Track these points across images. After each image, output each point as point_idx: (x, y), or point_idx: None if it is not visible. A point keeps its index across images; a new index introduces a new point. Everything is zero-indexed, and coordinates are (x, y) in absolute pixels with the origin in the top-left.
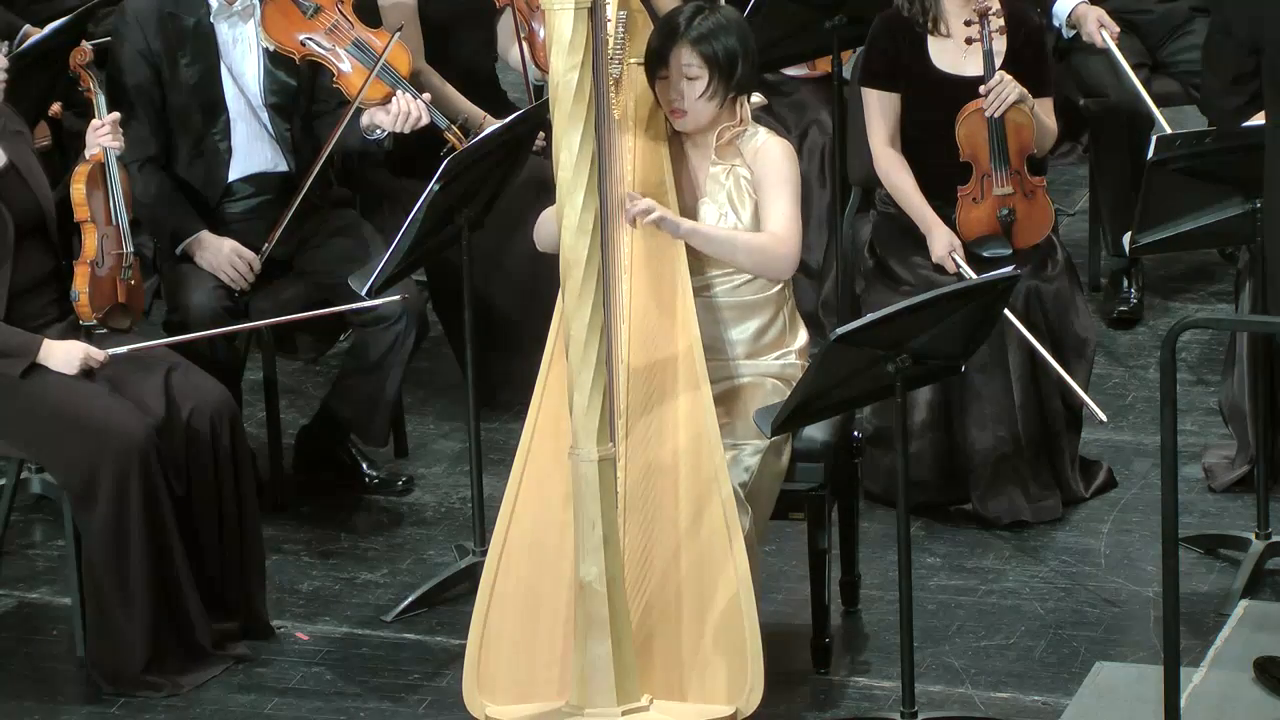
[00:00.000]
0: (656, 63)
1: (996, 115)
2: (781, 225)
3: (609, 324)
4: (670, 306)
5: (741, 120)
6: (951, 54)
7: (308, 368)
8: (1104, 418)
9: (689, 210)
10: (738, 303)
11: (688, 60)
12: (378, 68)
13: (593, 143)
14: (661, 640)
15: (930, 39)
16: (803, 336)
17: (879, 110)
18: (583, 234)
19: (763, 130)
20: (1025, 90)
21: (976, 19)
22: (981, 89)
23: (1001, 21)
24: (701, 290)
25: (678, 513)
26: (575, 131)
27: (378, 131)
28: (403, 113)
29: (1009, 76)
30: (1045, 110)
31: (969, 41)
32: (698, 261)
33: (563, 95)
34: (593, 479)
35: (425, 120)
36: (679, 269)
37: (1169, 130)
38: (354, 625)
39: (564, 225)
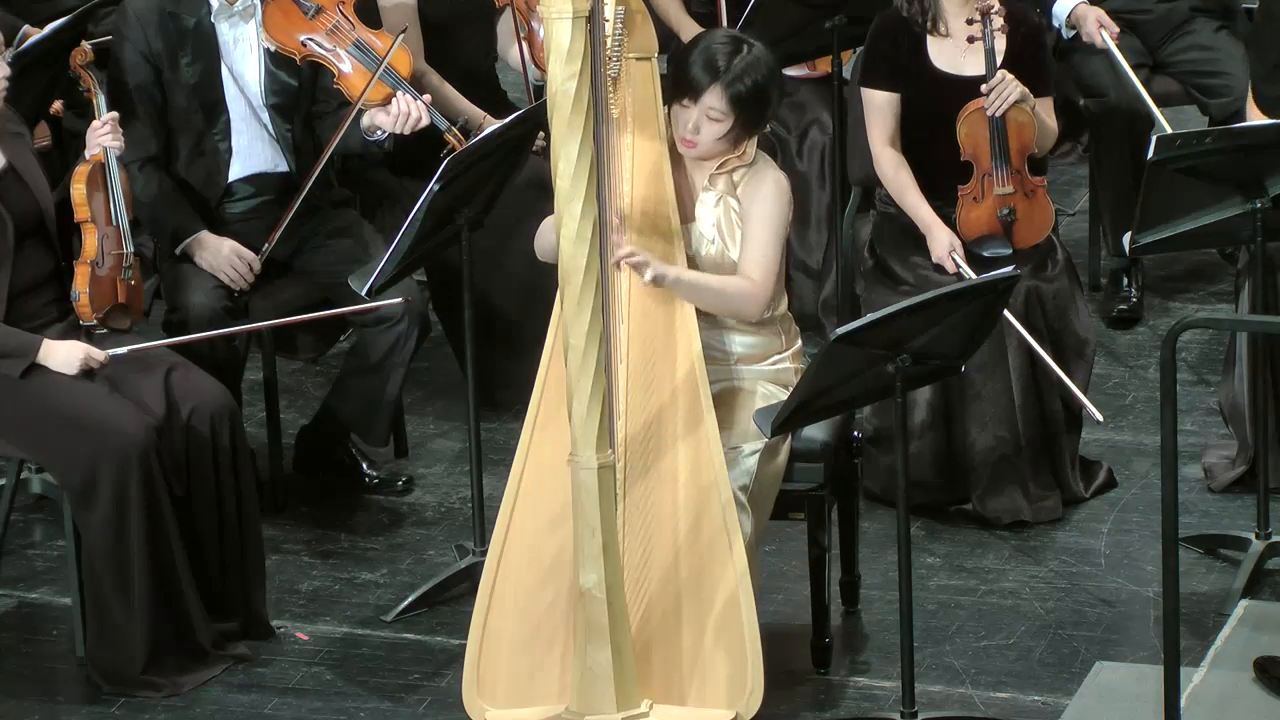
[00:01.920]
0: (683, 92)
1: (998, 114)
2: (756, 269)
3: (608, 331)
4: (670, 310)
5: (744, 155)
6: (951, 54)
7: (308, 368)
8: (1100, 418)
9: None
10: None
11: (717, 104)
12: (380, 70)
13: (591, 151)
14: (661, 645)
15: (929, 39)
16: (798, 340)
17: (879, 110)
18: (581, 242)
19: (762, 161)
20: (1026, 90)
21: (979, 17)
22: (983, 88)
23: (1002, 20)
24: None
25: (677, 517)
26: (573, 140)
27: (378, 133)
28: (403, 114)
29: (1010, 75)
30: (1046, 110)
31: (971, 40)
32: None
33: (561, 104)
34: (592, 486)
35: (425, 121)
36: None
37: (1169, 130)
38: (354, 625)
39: (563, 234)
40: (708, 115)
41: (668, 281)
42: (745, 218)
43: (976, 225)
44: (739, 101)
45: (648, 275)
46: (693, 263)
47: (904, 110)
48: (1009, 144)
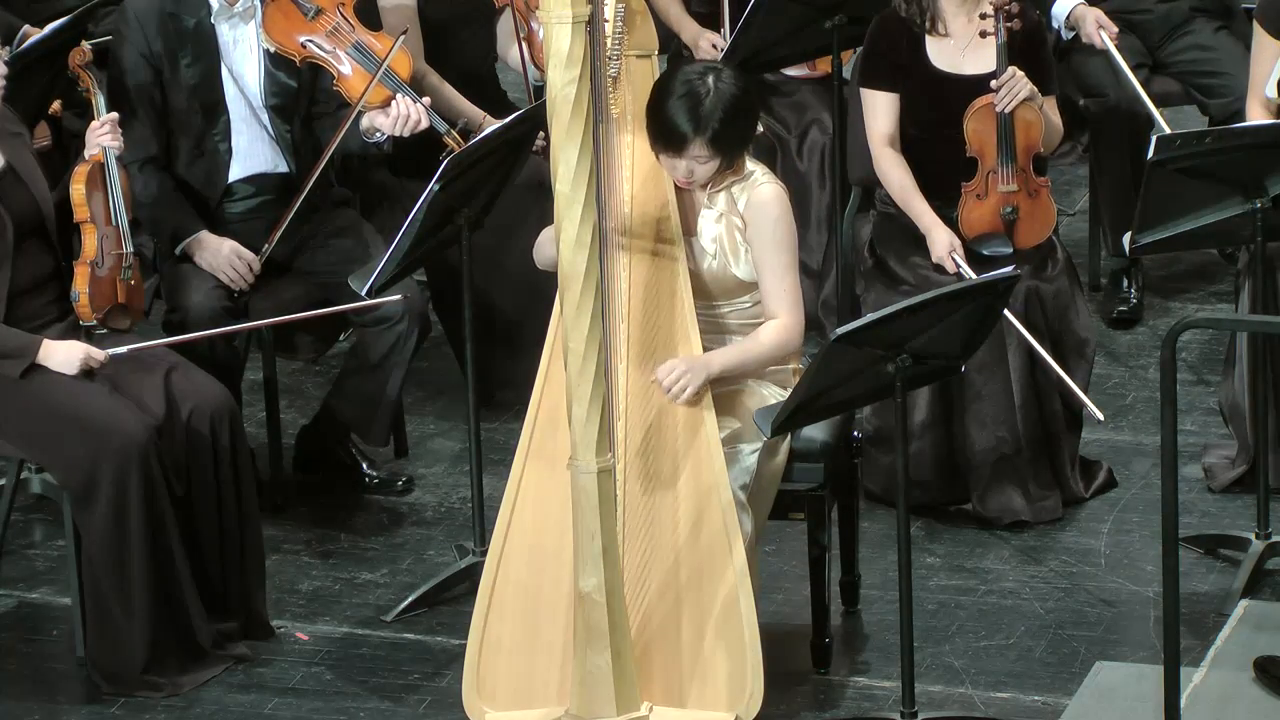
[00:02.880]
0: (666, 148)
1: (1008, 111)
2: (784, 305)
3: (607, 336)
4: (670, 313)
5: (736, 169)
6: (950, 53)
7: (308, 368)
8: (1101, 417)
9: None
10: (740, 323)
11: (700, 151)
12: (380, 73)
13: (590, 156)
14: (661, 647)
15: (928, 39)
16: None
17: (878, 111)
18: (581, 248)
19: (758, 172)
20: (1035, 89)
21: (992, 12)
22: (993, 84)
23: (1014, 16)
24: (706, 310)
25: (677, 519)
26: (573, 145)
27: (377, 135)
28: (402, 116)
29: (1021, 73)
30: (1050, 108)
31: (983, 35)
32: (705, 289)
33: (560, 109)
34: (591, 490)
35: (425, 124)
36: (679, 275)
37: (1169, 130)
38: (354, 625)
39: (562, 239)
40: (696, 161)
41: (713, 374)
42: (754, 243)
43: (979, 223)
44: (719, 141)
45: (696, 384)
46: (694, 276)
47: (903, 110)
48: (1015, 141)
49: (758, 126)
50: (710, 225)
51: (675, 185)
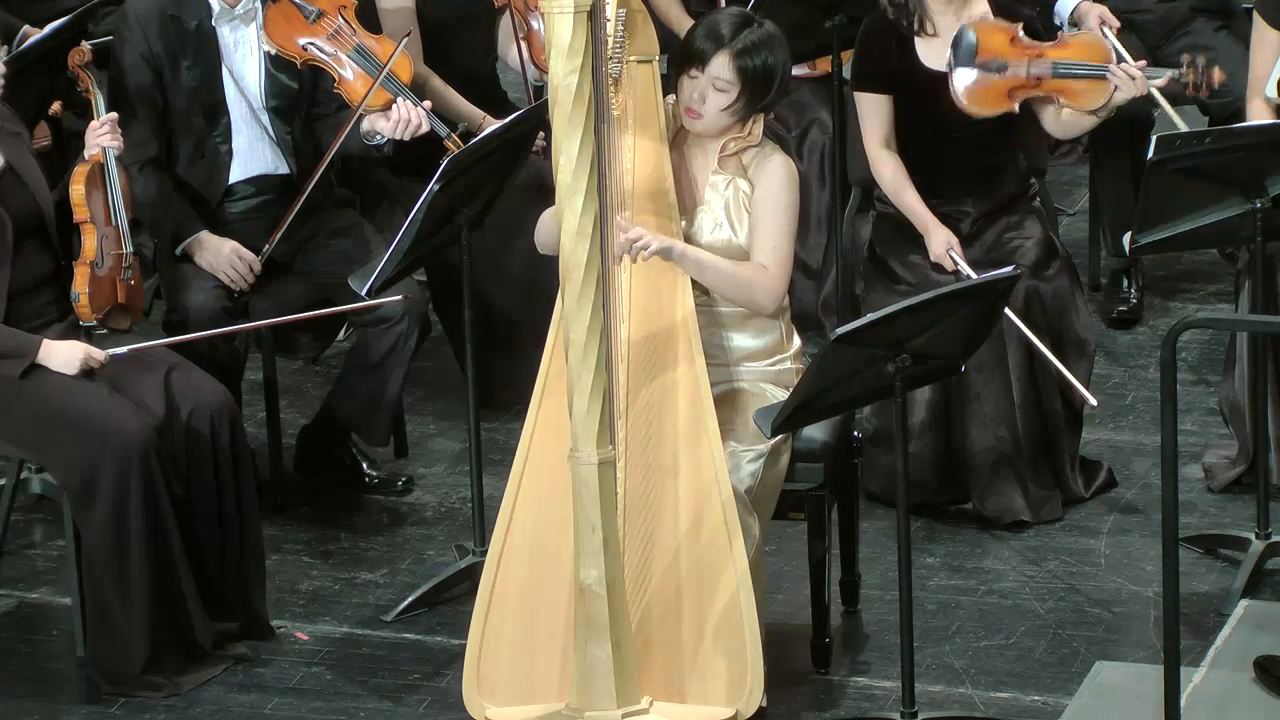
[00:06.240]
0: (691, 61)
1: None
2: (770, 258)
3: (609, 327)
4: (670, 308)
5: (750, 135)
6: (940, 52)
7: (308, 368)
8: (1094, 402)
9: (685, 215)
10: (738, 311)
11: (723, 72)
12: (381, 77)
13: (592, 146)
14: (661, 642)
15: (918, 40)
16: (797, 340)
17: (872, 113)
18: (582, 237)
19: (770, 147)
20: None
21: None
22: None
23: None
24: (702, 297)
25: (678, 514)
26: (575, 135)
27: (378, 137)
28: (403, 120)
29: None
30: None
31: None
32: None
33: (562, 99)
34: (592, 482)
35: (425, 128)
36: (681, 275)
37: (1181, 127)
38: (354, 625)
39: (564, 229)
40: (714, 85)
41: (674, 255)
42: (755, 203)
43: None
44: (746, 73)
45: (652, 248)
46: None
47: (898, 111)
48: None
49: (784, 92)
50: (718, 194)
51: (679, 154)
